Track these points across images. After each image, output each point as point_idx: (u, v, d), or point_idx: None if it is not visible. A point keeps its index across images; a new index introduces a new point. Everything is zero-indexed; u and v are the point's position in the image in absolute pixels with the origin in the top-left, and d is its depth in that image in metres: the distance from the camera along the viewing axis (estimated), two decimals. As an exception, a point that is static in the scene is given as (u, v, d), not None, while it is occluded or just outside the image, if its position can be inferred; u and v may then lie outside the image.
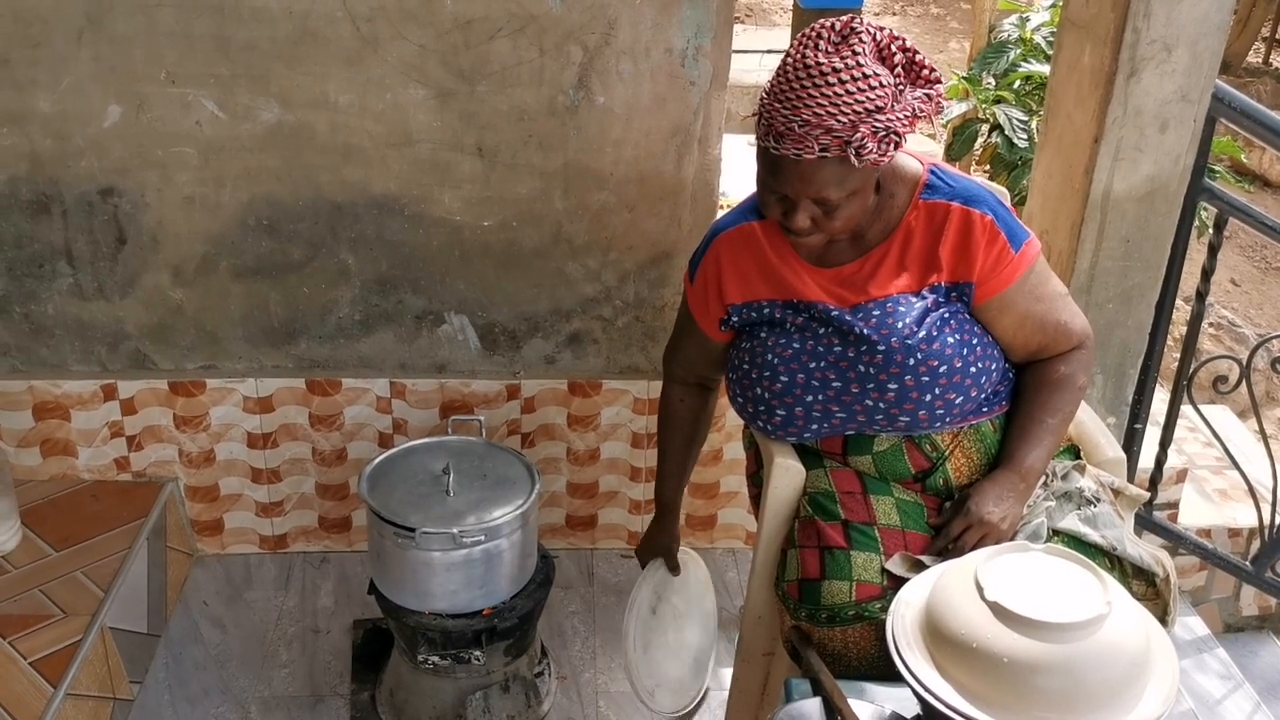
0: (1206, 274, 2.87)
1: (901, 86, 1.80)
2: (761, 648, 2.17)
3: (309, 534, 3.03)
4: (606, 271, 2.82)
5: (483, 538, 2.29)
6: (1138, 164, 2.64)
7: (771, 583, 2.06)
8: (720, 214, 2.25)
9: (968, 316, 1.95)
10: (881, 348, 1.88)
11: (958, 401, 1.91)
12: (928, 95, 1.82)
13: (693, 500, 3.05)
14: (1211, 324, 5.85)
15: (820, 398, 1.94)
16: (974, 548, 1.85)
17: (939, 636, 1.46)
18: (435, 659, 2.38)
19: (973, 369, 1.91)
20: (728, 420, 2.94)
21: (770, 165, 1.84)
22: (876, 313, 1.92)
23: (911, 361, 1.88)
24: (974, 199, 1.93)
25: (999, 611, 1.40)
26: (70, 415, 2.82)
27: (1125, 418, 2.94)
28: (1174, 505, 3.17)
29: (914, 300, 1.92)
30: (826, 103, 1.74)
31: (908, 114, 1.80)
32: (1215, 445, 2.98)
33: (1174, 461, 3.07)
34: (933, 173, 1.97)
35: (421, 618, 2.36)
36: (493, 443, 2.58)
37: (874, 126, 1.76)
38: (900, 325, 1.89)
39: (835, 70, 1.74)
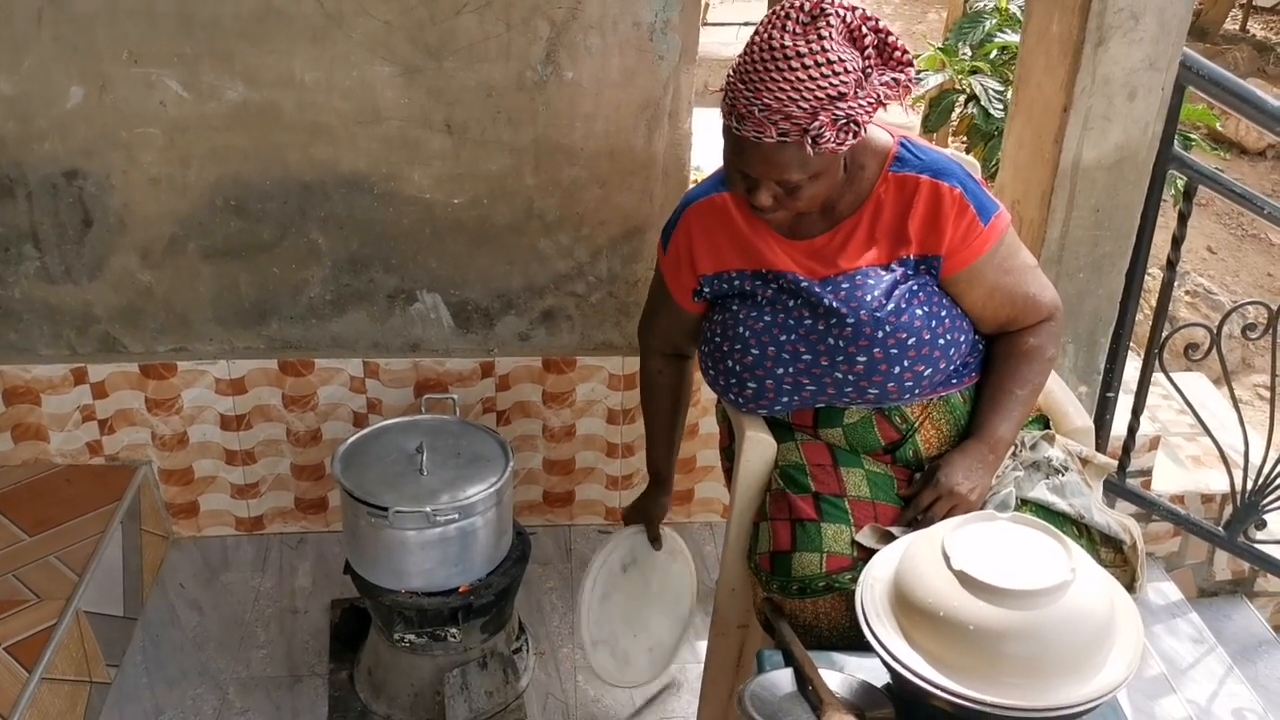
0: (1177, 242, 2.88)
1: (869, 70, 1.79)
2: (736, 620, 2.18)
3: (285, 515, 3.03)
4: (579, 247, 2.82)
5: (457, 516, 2.29)
6: (1107, 132, 2.65)
7: (744, 555, 2.07)
8: (691, 185, 2.26)
9: (936, 289, 1.95)
10: (850, 320, 1.89)
11: (926, 373, 1.92)
12: (895, 80, 1.81)
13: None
14: (1188, 292, 5.88)
15: (790, 370, 1.95)
16: (943, 518, 1.86)
17: (907, 606, 1.48)
18: (411, 637, 2.39)
19: (941, 341, 1.91)
20: (703, 395, 2.95)
21: (733, 144, 1.84)
22: (845, 285, 1.92)
23: (880, 334, 1.89)
24: (943, 172, 1.94)
25: (965, 580, 1.41)
26: (41, 400, 2.81)
27: (1097, 386, 2.96)
28: (1147, 472, 3.19)
29: (883, 273, 1.93)
30: (789, 88, 1.73)
31: (871, 100, 1.78)
32: (1189, 413, 3.00)
33: (1147, 429, 3.10)
34: (902, 145, 1.97)
35: (397, 596, 2.36)
36: (467, 421, 2.58)
37: (834, 115, 1.74)
38: (869, 298, 1.90)
39: (799, 55, 1.73)
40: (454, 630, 2.39)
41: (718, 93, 1.85)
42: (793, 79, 1.73)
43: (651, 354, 2.29)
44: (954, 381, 2.00)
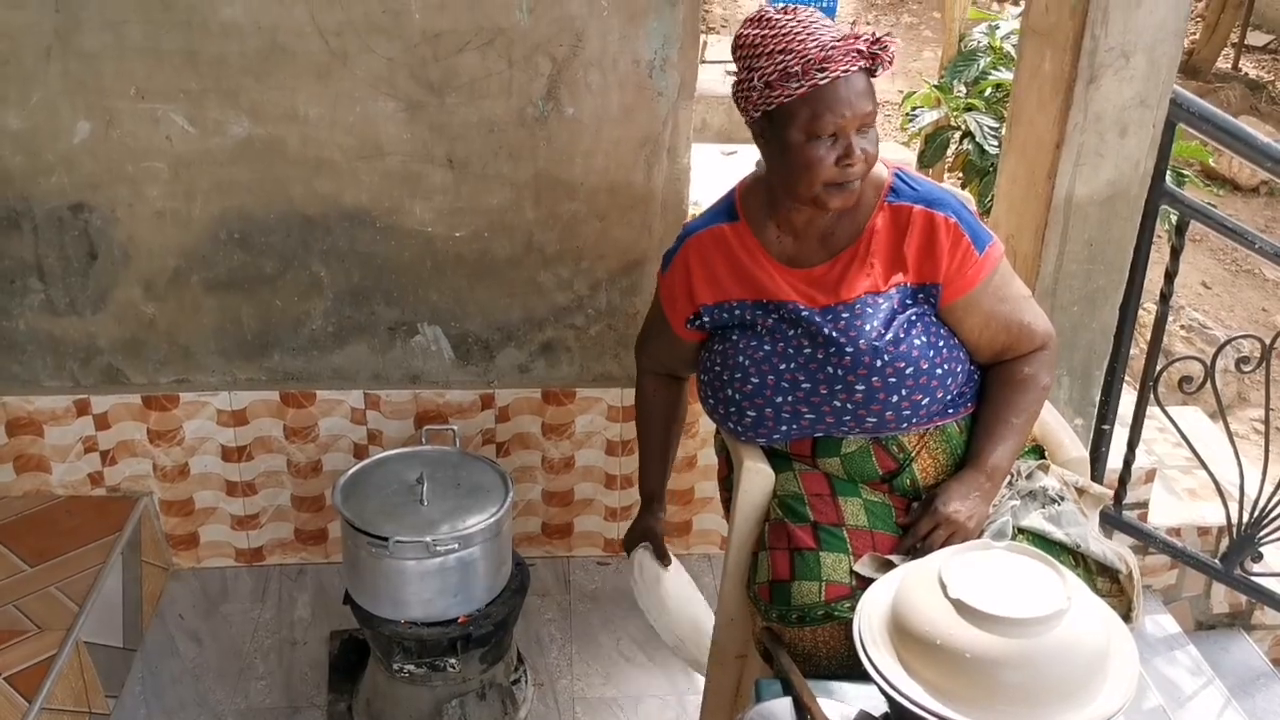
0: (1170, 276, 2.90)
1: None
2: (734, 650, 2.19)
3: (285, 546, 3.04)
4: (578, 280, 2.84)
5: (456, 546, 2.30)
6: (1099, 169, 2.68)
7: (743, 585, 2.08)
8: (690, 218, 2.28)
9: (934, 319, 1.98)
10: (850, 349, 1.91)
11: (924, 402, 1.94)
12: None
13: (668, 506, 3.06)
14: (1183, 326, 5.90)
15: (790, 399, 1.97)
16: (941, 546, 1.87)
17: (904, 634, 1.49)
18: (411, 668, 2.39)
19: (939, 370, 1.93)
20: (701, 426, 2.96)
21: (822, 101, 1.83)
22: (845, 315, 1.95)
23: (879, 363, 1.90)
24: (937, 202, 1.96)
25: (961, 608, 1.42)
26: (43, 431, 2.82)
27: (1093, 419, 2.98)
28: (1144, 505, 3.20)
29: (880, 301, 1.95)
30: (831, 27, 1.84)
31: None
32: (1185, 446, 3.01)
33: (1143, 462, 3.11)
34: (897, 176, 2.00)
35: (397, 626, 2.37)
36: (466, 452, 2.60)
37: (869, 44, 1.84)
38: (868, 328, 1.92)
39: (810, 11, 1.85)
40: (453, 661, 2.39)
41: (726, 90, 1.92)
42: (825, 22, 1.85)
43: (646, 373, 2.31)
44: (951, 411, 2.01)
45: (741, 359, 1.99)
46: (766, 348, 1.98)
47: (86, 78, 2.52)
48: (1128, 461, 3.05)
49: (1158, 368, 2.96)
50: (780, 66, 1.83)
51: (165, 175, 2.63)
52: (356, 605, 2.42)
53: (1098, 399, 2.96)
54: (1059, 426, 2.19)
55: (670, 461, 2.39)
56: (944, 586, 1.45)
